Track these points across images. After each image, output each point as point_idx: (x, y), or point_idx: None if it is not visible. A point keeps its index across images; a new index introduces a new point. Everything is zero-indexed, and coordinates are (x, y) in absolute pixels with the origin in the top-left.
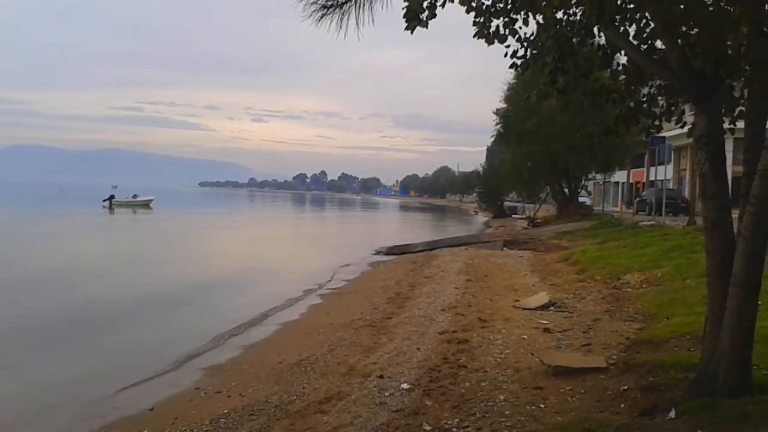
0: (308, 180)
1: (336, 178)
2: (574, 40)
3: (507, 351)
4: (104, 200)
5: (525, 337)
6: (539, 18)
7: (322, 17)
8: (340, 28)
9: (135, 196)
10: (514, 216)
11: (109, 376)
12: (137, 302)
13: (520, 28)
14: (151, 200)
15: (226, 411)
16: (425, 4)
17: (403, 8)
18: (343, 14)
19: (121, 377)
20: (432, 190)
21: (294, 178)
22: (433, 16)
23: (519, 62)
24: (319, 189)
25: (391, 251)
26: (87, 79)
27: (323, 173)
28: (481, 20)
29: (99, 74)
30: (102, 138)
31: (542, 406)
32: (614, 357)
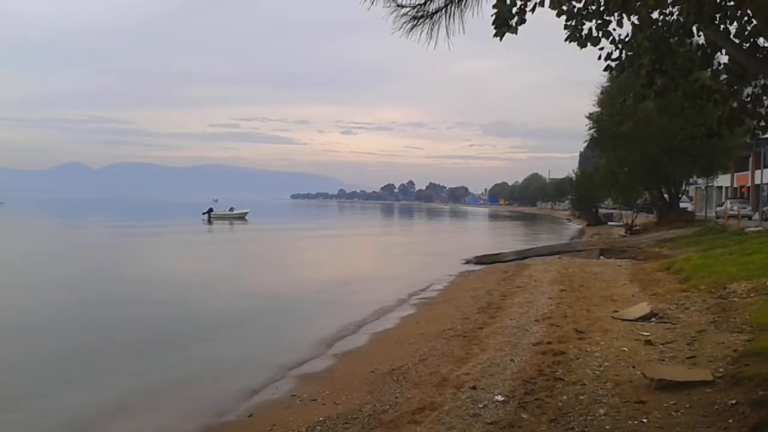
0: (396, 190)
1: (424, 188)
2: (671, 40)
3: (606, 363)
4: (203, 213)
5: (625, 349)
6: (634, 19)
7: (412, 28)
8: (431, 38)
9: (231, 209)
10: (610, 223)
11: (209, 383)
12: (235, 312)
13: (614, 29)
14: (247, 213)
15: (321, 419)
16: (514, 10)
17: (492, 15)
18: (433, 24)
19: (220, 384)
20: (522, 198)
21: (382, 188)
22: (522, 21)
23: (614, 65)
24: (407, 199)
25: (480, 260)
26: (187, 99)
27: (411, 183)
28: (573, 23)
29: (198, 94)
30: (200, 154)
31: (645, 420)
32: (721, 370)
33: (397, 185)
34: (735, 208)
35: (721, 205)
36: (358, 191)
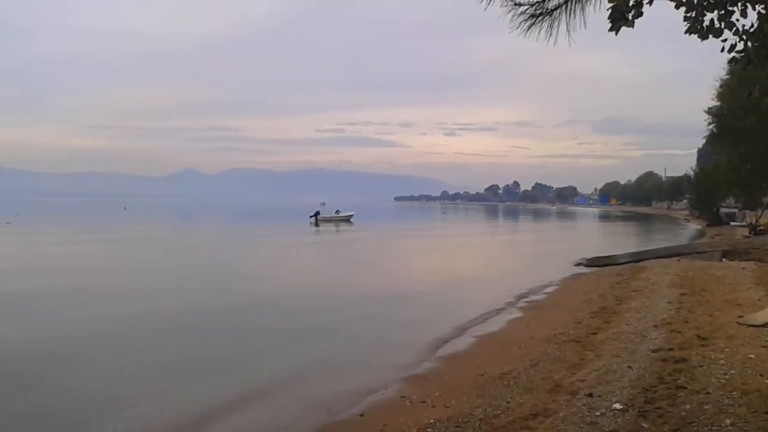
0: (500, 191)
1: (529, 189)
2: None
3: (732, 371)
4: (311, 216)
5: (752, 356)
6: (760, 8)
7: (530, 27)
8: (550, 35)
9: (337, 212)
10: (732, 223)
11: (321, 381)
12: (345, 312)
13: (737, 20)
14: (352, 215)
15: (431, 421)
16: (632, 3)
17: (608, 9)
18: (552, 21)
19: (332, 382)
20: (635, 197)
21: (486, 189)
22: (639, 14)
23: (738, 57)
24: (512, 200)
25: (592, 263)
26: (295, 105)
27: (516, 184)
28: (693, 15)
29: (305, 100)
30: (307, 159)
31: None
32: None
33: (501, 186)
34: None
35: None
36: (461, 193)
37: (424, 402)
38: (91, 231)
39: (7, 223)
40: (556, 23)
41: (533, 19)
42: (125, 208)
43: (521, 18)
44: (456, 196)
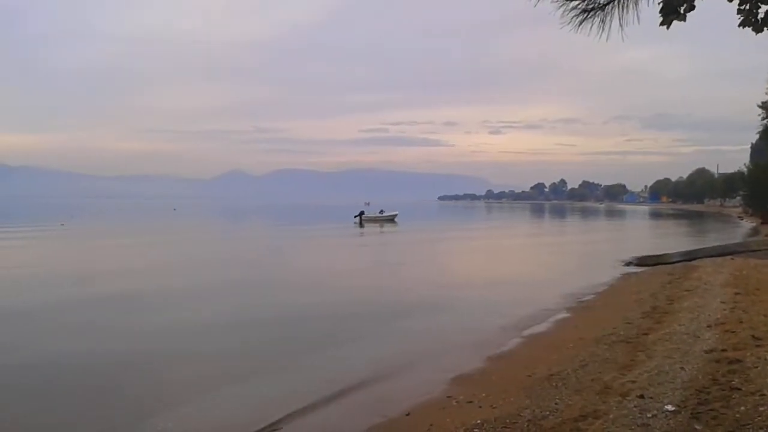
0: (546, 189)
1: (576, 186)
2: None
3: None
4: (355, 216)
5: None
6: None
7: (582, 22)
8: (602, 30)
9: (381, 211)
10: None
11: (370, 380)
12: (393, 312)
13: None
14: (396, 215)
15: (478, 421)
16: None
17: (659, 3)
18: (605, 16)
19: (380, 382)
20: (687, 194)
21: (531, 188)
22: (691, 8)
23: None
24: (558, 198)
25: (642, 262)
26: (339, 106)
27: (562, 182)
28: (747, 7)
29: (350, 101)
30: (352, 159)
31: None
32: None
33: (547, 184)
34: None
35: None
36: (506, 191)
37: (470, 402)
38: (149, 232)
39: (62, 225)
40: (608, 18)
41: (585, 14)
42: (175, 209)
43: (573, 13)
44: (501, 195)
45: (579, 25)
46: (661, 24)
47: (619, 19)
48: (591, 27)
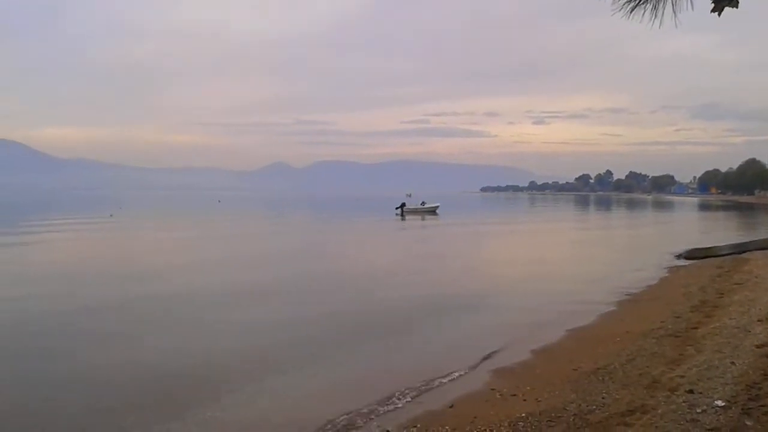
0: (591, 180)
1: (623, 177)
2: None
3: None
4: (396, 208)
5: None
6: None
7: (633, 9)
8: (654, 17)
9: (423, 203)
10: None
11: (413, 371)
12: (436, 303)
13: None
14: (437, 207)
15: (523, 415)
16: None
17: None
18: (657, 2)
19: (421, 374)
20: (737, 186)
21: (576, 179)
22: None
23: None
24: (604, 190)
25: (691, 255)
26: (380, 98)
27: (608, 173)
28: None
29: (390, 93)
30: (393, 151)
31: None
32: None
33: (592, 175)
34: None
35: None
36: (549, 183)
37: (514, 395)
38: (198, 225)
39: (111, 216)
40: (660, 4)
41: (637, 1)
42: (219, 201)
43: (623, 0)
44: (544, 186)
45: (631, 12)
46: (713, 11)
47: (673, 5)
48: (643, 13)
